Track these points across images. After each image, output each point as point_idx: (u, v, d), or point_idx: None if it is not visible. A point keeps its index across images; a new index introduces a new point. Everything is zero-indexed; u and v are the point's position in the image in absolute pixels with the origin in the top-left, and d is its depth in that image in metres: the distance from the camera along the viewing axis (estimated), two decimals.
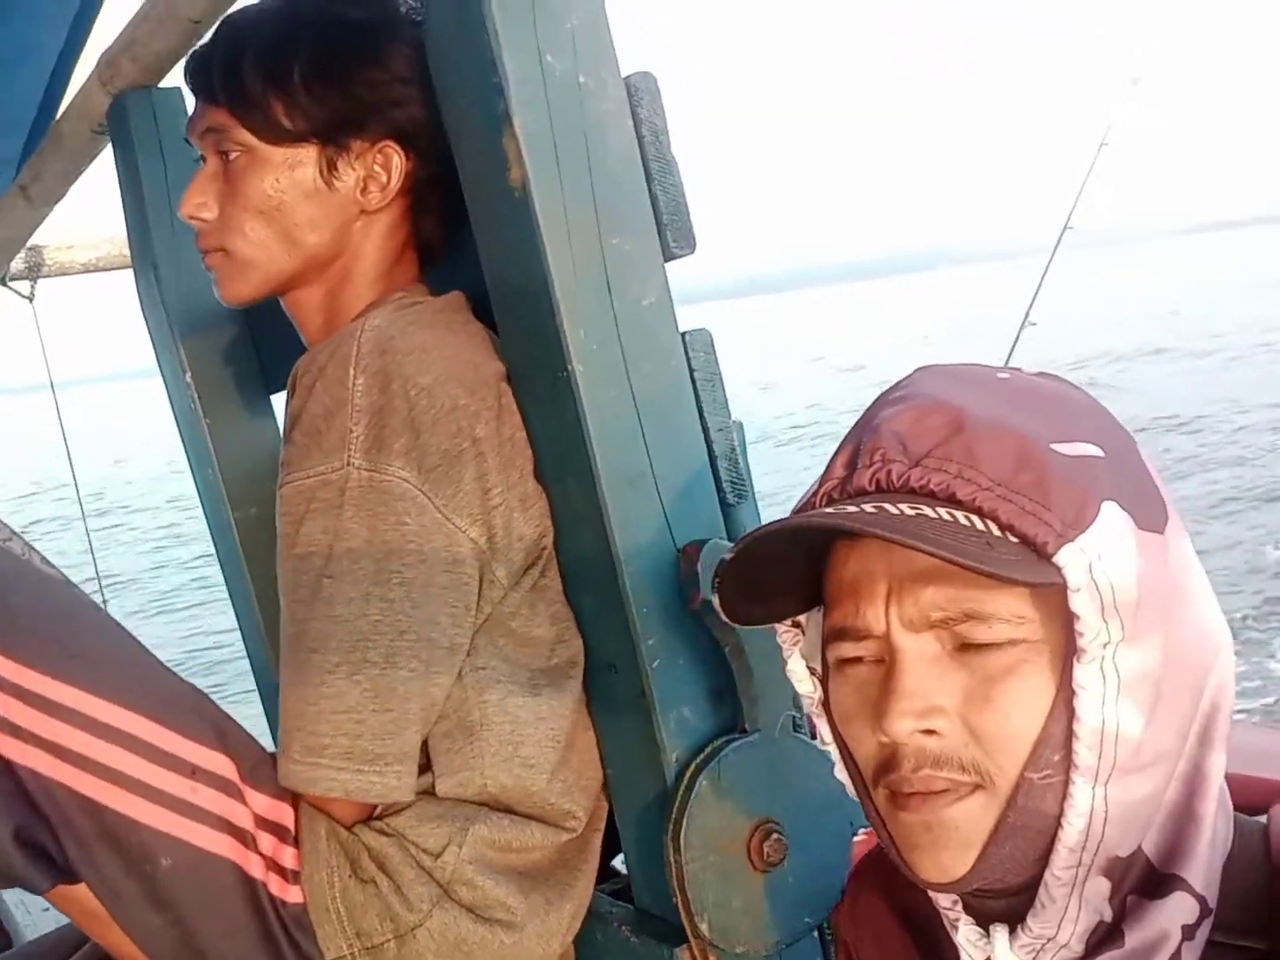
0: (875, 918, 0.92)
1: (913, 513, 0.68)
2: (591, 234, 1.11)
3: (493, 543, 1.13)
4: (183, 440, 1.94)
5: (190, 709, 1.06)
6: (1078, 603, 0.66)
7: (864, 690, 0.73)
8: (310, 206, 1.23)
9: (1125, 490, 0.70)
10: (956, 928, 0.78)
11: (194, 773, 1.04)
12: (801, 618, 0.83)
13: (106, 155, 2.25)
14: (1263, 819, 0.75)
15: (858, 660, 0.74)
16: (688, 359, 1.17)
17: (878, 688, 0.72)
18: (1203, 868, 0.70)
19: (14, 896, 2.25)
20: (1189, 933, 0.69)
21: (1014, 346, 2.96)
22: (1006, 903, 0.74)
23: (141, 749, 1.02)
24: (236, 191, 1.24)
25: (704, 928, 1.13)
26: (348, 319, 1.26)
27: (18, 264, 2.82)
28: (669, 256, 1.16)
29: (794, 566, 0.78)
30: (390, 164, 1.23)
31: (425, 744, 1.15)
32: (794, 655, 0.83)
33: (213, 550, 1.95)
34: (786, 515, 0.75)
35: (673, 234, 1.16)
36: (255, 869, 1.06)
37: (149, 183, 1.83)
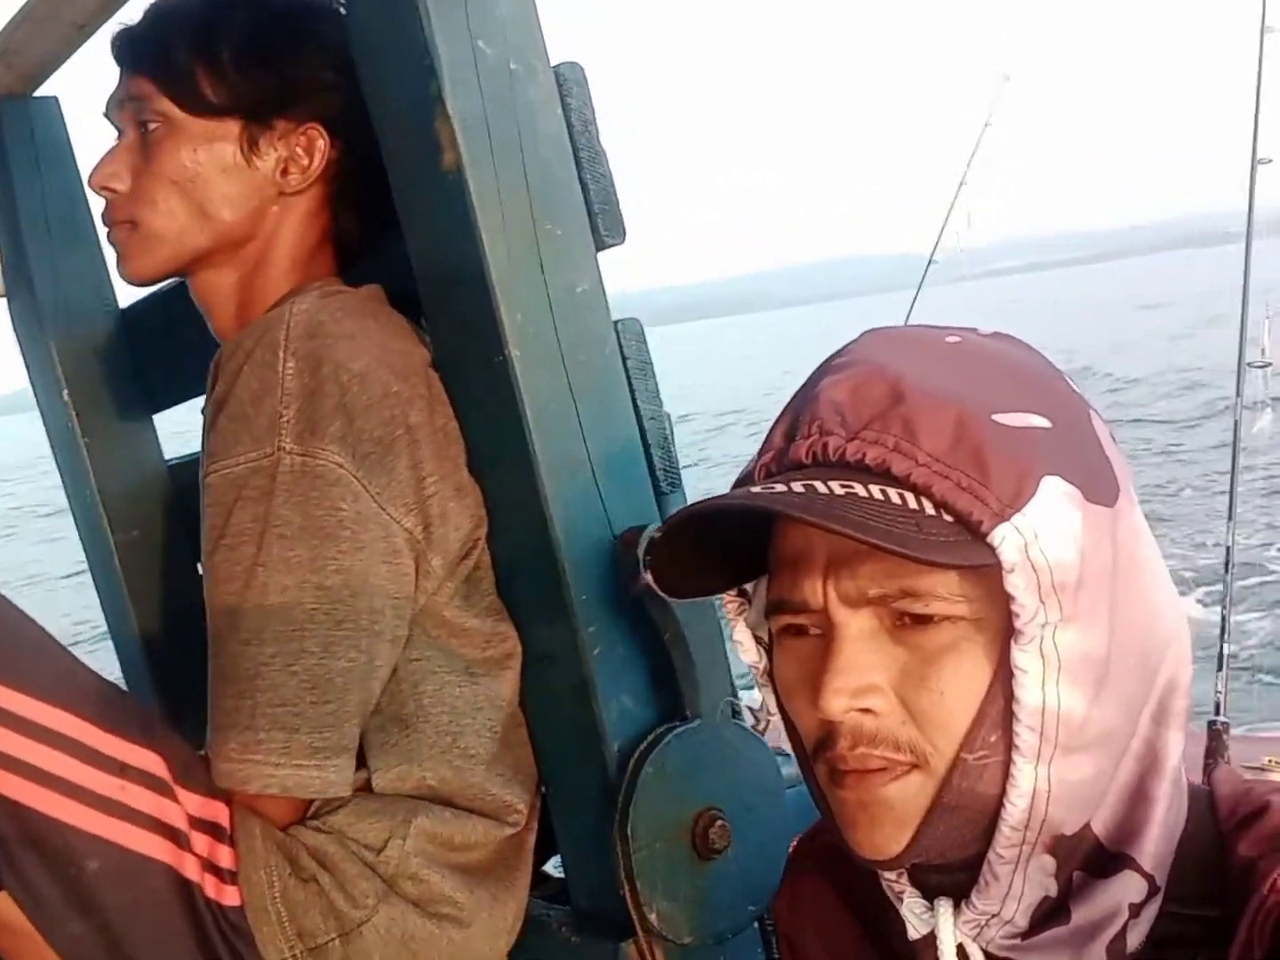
0: (816, 903, 0.90)
1: (843, 492, 0.66)
2: (525, 219, 1.11)
3: (428, 532, 1.11)
4: (58, 463, 1.85)
5: (116, 705, 1.00)
6: (1012, 583, 0.64)
7: (805, 664, 0.71)
8: (226, 182, 1.20)
9: (1073, 462, 0.68)
10: (901, 899, 0.77)
11: (123, 770, 0.98)
12: (748, 586, 0.81)
13: None
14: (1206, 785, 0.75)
15: (800, 632, 0.72)
16: (620, 348, 1.18)
17: (817, 662, 0.70)
18: (1153, 847, 0.69)
19: None
20: (1135, 911, 0.69)
21: (919, 289, 3.12)
22: (951, 877, 0.73)
23: (67, 746, 0.95)
24: (151, 160, 1.20)
25: (652, 918, 1.11)
26: (261, 308, 1.23)
27: None
28: (600, 245, 1.16)
29: (735, 537, 0.76)
30: (313, 147, 1.21)
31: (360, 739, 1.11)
32: (739, 625, 0.80)
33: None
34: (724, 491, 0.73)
35: (604, 223, 1.16)
36: (190, 870, 1.00)
37: (24, 196, 1.76)
